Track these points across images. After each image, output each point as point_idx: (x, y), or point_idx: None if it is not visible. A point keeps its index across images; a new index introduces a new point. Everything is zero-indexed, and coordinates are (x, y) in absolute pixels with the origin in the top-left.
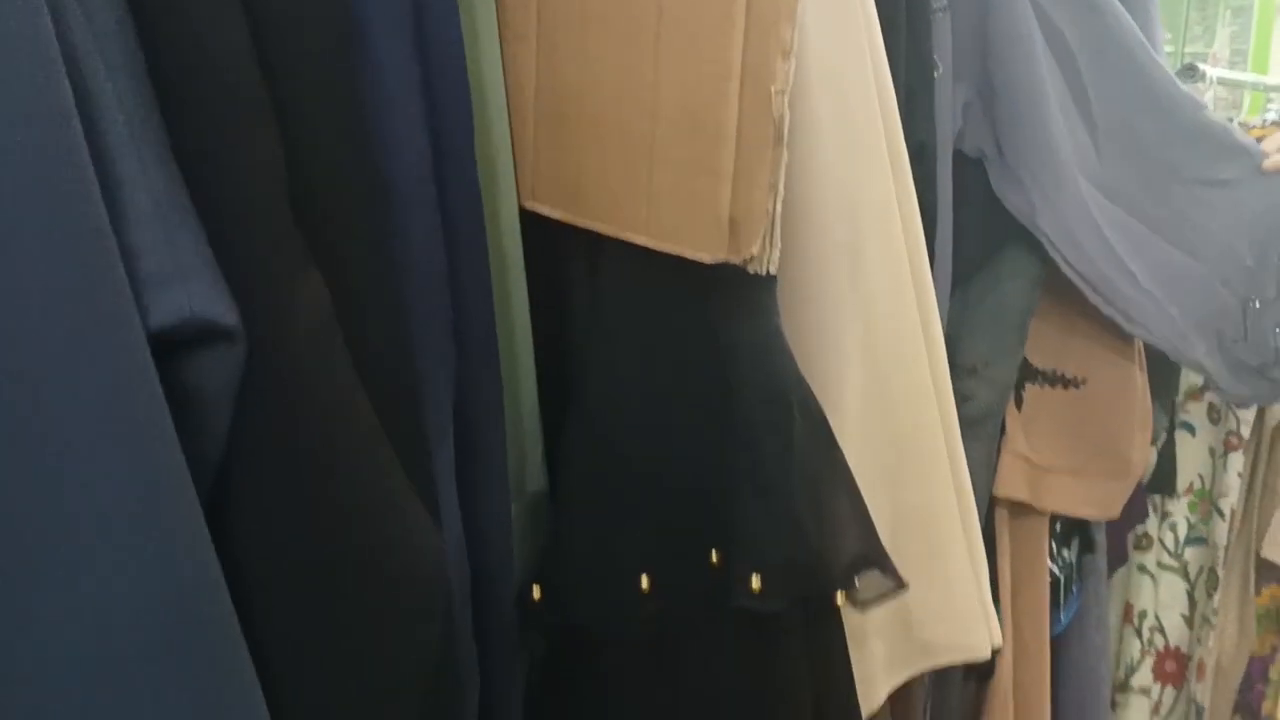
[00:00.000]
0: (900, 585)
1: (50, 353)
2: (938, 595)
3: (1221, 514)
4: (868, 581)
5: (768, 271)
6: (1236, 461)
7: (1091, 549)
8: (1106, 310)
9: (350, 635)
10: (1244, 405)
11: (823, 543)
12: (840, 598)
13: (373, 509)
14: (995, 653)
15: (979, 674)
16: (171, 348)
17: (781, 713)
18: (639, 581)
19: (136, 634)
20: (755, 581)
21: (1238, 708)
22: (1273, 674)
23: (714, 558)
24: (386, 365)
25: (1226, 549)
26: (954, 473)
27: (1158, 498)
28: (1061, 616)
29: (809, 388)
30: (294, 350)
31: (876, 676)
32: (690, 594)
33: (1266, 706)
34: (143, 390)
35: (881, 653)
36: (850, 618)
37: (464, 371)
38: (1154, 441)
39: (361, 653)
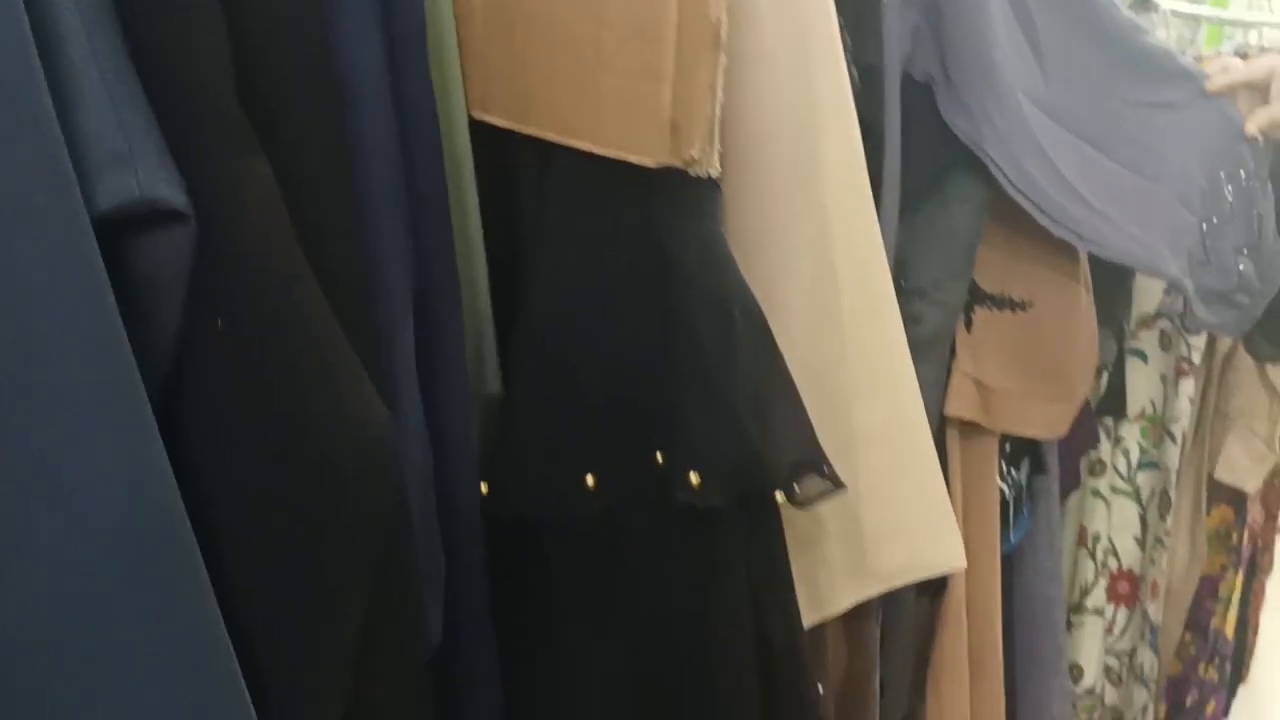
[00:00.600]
0: (839, 486)
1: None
2: (906, 511)
3: (1173, 438)
4: (810, 485)
5: (709, 174)
6: (1188, 387)
7: (1041, 469)
8: (1056, 231)
9: (299, 507)
10: (1219, 334)
11: (762, 443)
12: (780, 498)
13: (319, 380)
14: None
15: (931, 591)
16: (121, 231)
17: (720, 608)
18: (585, 479)
19: (110, 550)
20: (694, 478)
21: (1189, 624)
22: (1222, 592)
23: (658, 458)
24: (340, 254)
25: (1178, 472)
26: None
27: (1110, 424)
28: (1011, 536)
29: (751, 293)
30: (241, 230)
31: (838, 589)
32: (634, 492)
33: (1215, 622)
34: (100, 301)
35: (846, 565)
36: (813, 531)
37: (420, 266)
38: (1103, 366)
39: (310, 525)
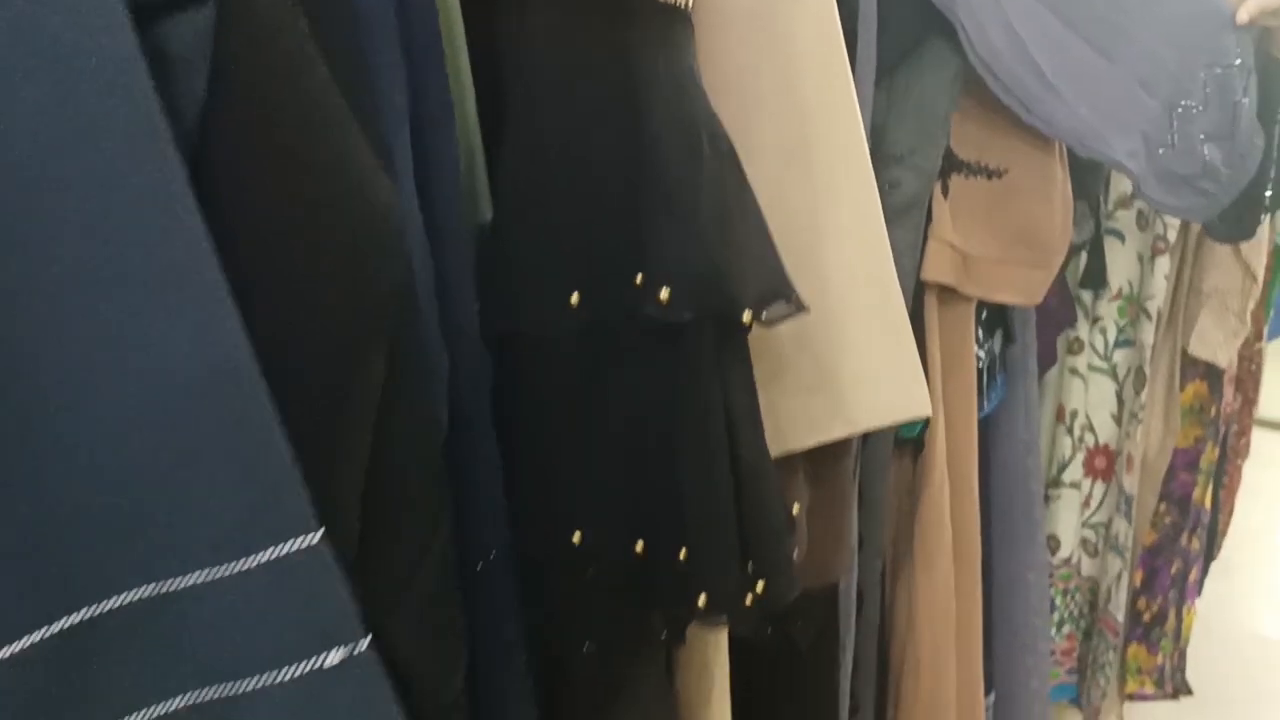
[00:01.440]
0: (803, 309)
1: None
2: (873, 357)
3: (1149, 315)
4: (776, 310)
5: (681, 5)
6: (1163, 265)
7: (1011, 339)
8: (1005, 99)
9: (313, 274)
10: (1180, 217)
11: (729, 265)
12: (746, 317)
13: (333, 152)
14: (925, 431)
15: (912, 451)
16: (150, 18)
17: (694, 420)
18: (570, 297)
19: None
20: (664, 293)
21: (1163, 496)
22: (1203, 464)
23: (637, 280)
24: (341, 64)
25: (1154, 349)
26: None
27: (1088, 303)
28: (985, 404)
29: (720, 124)
30: (255, 11)
31: (801, 427)
32: (614, 309)
33: (1196, 494)
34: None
35: (810, 406)
36: (779, 371)
37: (415, 90)
38: (1082, 243)
39: (332, 291)
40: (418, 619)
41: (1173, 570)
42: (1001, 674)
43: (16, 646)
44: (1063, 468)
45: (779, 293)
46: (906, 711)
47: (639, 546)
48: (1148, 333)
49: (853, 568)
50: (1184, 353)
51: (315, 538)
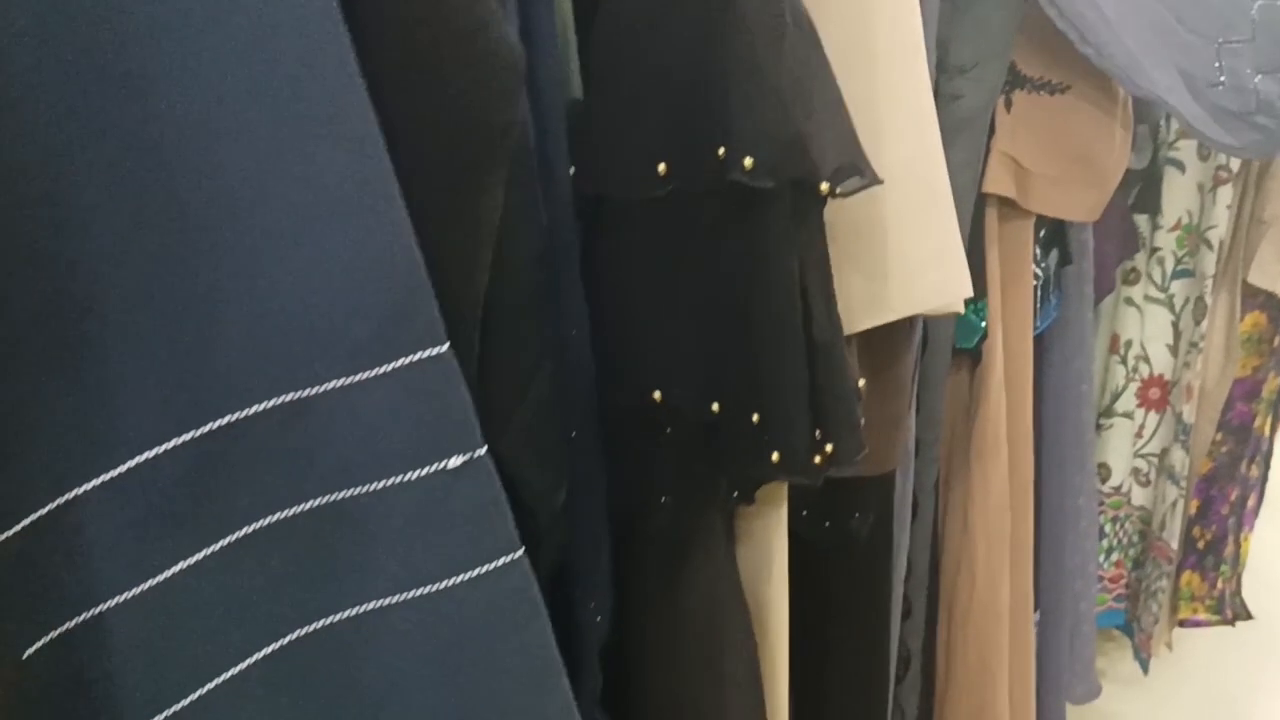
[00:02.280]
0: (876, 181)
1: None
2: (924, 245)
3: (1210, 245)
4: (850, 185)
5: None
6: (1225, 194)
7: (1068, 260)
8: (1060, 24)
9: (446, 102)
10: (1240, 156)
11: (809, 136)
12: (825, 187)
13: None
14: (983, 342)
15: (969, 364)
16: None
17: (771, 284)
18: (657, 167)
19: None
20: (748, 161)
21: (1221, 425)
22: (1265, 393)
23: (720, 152)
24: None
25: (1214, 279)
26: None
27: (1146, 234)
28: (1037, 322)
29: (803, 5)
30: None
31: (856, 312)
32: (698, 177)
33: (1257, 424)
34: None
35: (864, 290)
36: (836, 256)
37: None
38: (1141, 165)
39: (455, 117)
40: (525, 437)
41: (1232, 497)
42: (1048, 596)
43: (162, 448)
44: (1116, 397)
45: (854, 165)
46: (960, 618)
47: (715, 407)
48: (1209, 263)
49: (909, 473)
50: (1244, 282)
51: (443, 349)
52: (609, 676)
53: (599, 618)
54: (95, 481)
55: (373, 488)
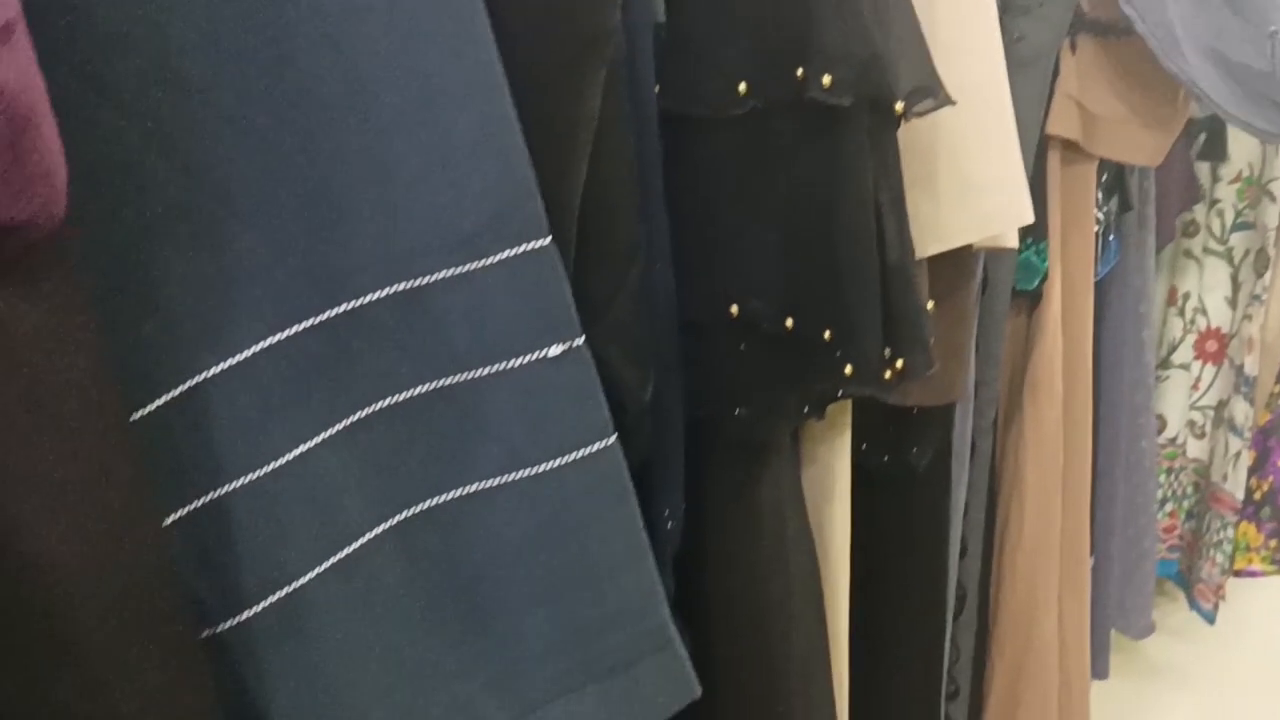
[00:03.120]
0: (948, 102)
1: None
2: (994, 169)
3: (1272, 197)
4: (924, 105)
5: None
6: None
7: (1129, 206)
8: None
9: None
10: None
11: (886, 58)
12: (900, 106)
13: None
14: (1043, 284)
15: (1028, 306)
16: None
17: (848, 198)
18: (738, 86)
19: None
20: (826, 79)
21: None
22: None
23: (799, 73)
24: None
25: (1278, 230)
26: None
27: (1207, 186)
28: (1097, 267)
29: None
30: None
31: (924, 236)
32: (778, 96)
33: None
34: None
35: (930, 215)
36: (916, 174)
37: None
38: (1205, 114)
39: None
40: (617, 331)
41: None
42: (1103, 539)
43: (287, 332)
44: (1173, 349)
45: (928, 87)
46: (1010, 554)
47: (789, 322)
48: (1271, 215)
49: (968, 410)
50: None
51: (546, 241)
52: (678, 584)
53: (670, 524)
54: (224, 364)
55: (480, 374)
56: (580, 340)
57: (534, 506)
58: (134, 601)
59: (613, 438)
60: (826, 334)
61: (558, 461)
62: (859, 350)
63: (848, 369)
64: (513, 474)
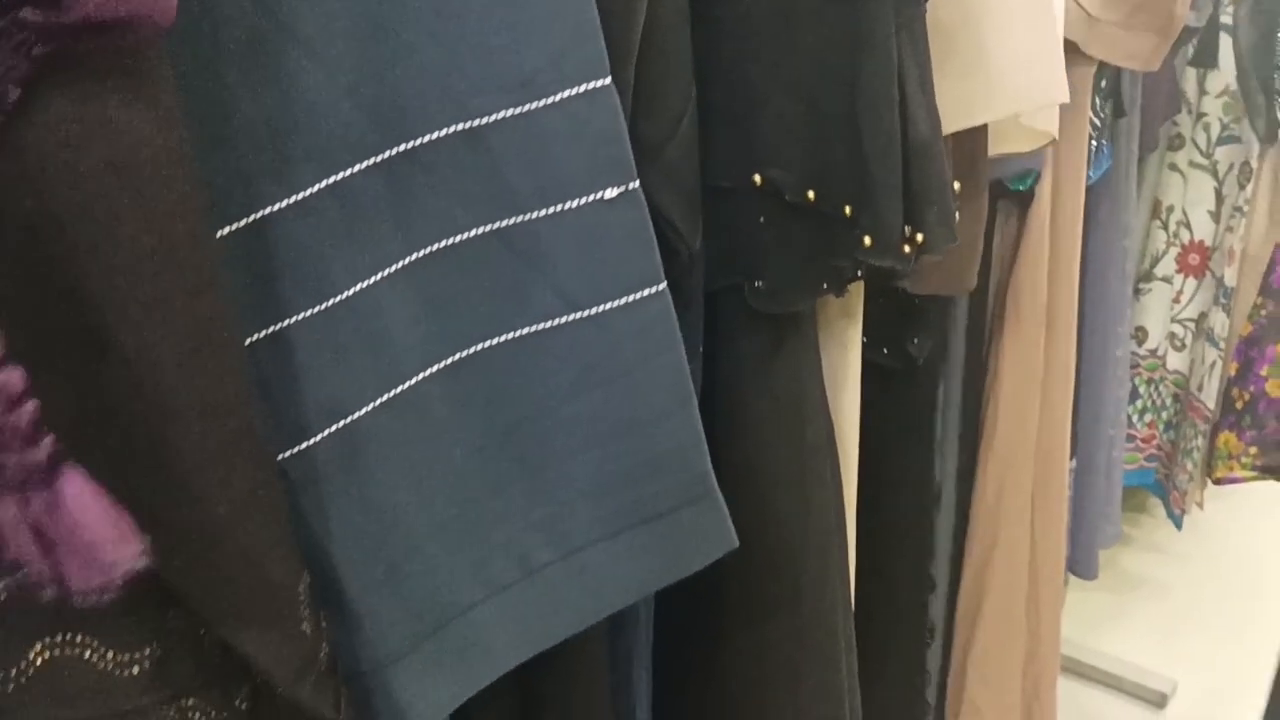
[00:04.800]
0: None
1: None
2: (1030, 41)
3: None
4: None
5: None
6: None
7: (1123, 112)
8: None
9: None
10: None
11: None
12: None
13: None
14: (1035, 184)
15: (1019, 207)
16: None
17: (868, 75)
18: None
19: None
20: None
21: (1261, 289)
22: None
23: None
24: None
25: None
26: None
27: (1193, 100)
28: (1091, 172)
29: None
30: None
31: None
32: None
33: None
34: None
35: (970, 89)
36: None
37: None
38: (1198, 24)
39: None
40: (671, 174)
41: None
42: (1083, 442)
43: (348, 171)
44: (1155, 262)
45: None
46: (983, 453)
47: (810, 194)
48: (1258, 126)
49: (962, 310)
50: None
51: (606, 82)
52: None
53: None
54: (288, 200)
55: (536, 216)
56: (635, 184)
57: (584, 350)
58: (223, 411)
59: (663, 284)
60: (847, 209)
61: (609, 305)
62: (879, 224)
63: (866, 240)
64: (564, 317)
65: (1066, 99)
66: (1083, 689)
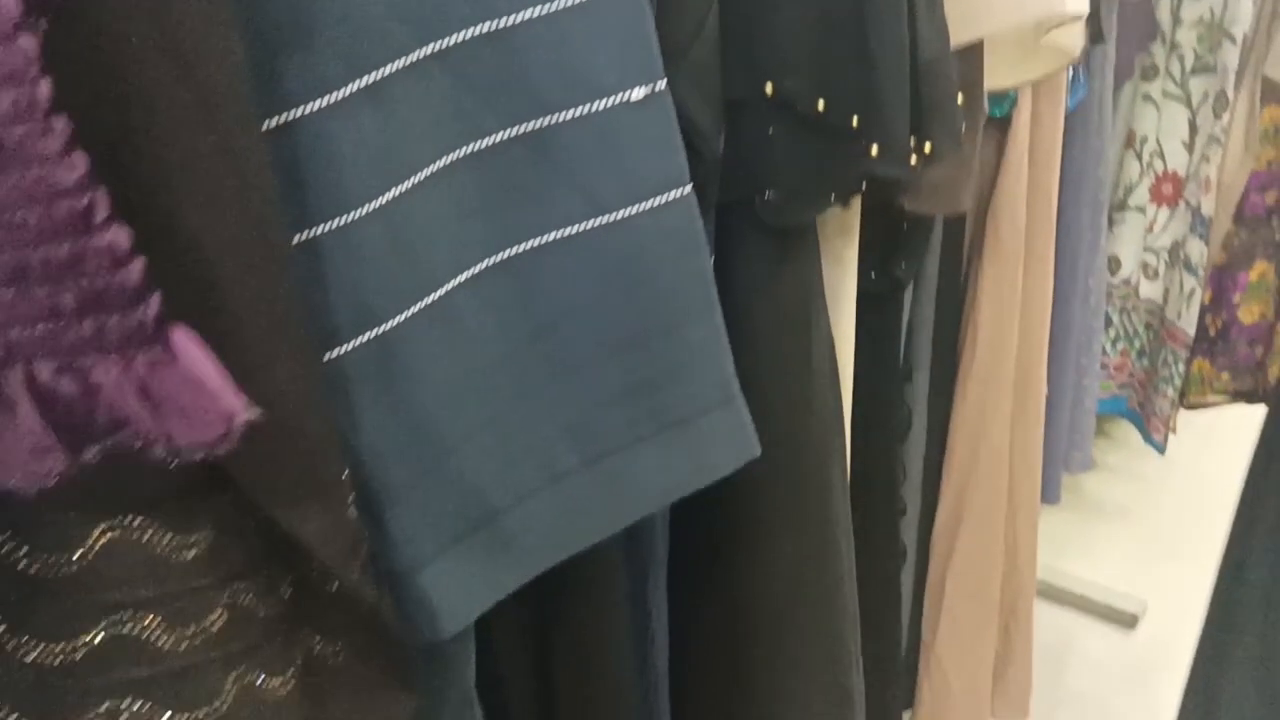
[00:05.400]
0: None
1: None
2: None
3: (1233, 39)
4: None
5: None
6: None
7: (1101, 39)
8: None
9: None
10: None
11: None
12: None
13: None
14: (1013, 109)
15: (998, 132)
16: None
17: None
18: None
19: None
20: None
21: (1235, 218)
22: None
23: None
24: None
25: (1237, 73)
26: None
27: (1167, 30)
28: (1068, 98)
29: None
30: None
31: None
32: None
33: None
34: None
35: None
36: None
37: None
38: None
39: None
40: (696, 75)
41: (1244, 284)
42: (1056, 371)
43: (375, 75)
44: (1129, 191)
45: None
46: (961, 379)
47: (820, 104)
48: (1231, 56)
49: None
50: (1264, 77)
51: None
52: None
53: None
54: (318, 104)
55: (562, 118)
56: (663, 84)
57: (610, 254)
58: (269, 297)
59: (688, 186)
60: (855, 120)
61: (635, 209)
62: (887, 133)
63: (874, 149)
64: (591, 221)
65: (1086, 10)
66: (1055, 611)
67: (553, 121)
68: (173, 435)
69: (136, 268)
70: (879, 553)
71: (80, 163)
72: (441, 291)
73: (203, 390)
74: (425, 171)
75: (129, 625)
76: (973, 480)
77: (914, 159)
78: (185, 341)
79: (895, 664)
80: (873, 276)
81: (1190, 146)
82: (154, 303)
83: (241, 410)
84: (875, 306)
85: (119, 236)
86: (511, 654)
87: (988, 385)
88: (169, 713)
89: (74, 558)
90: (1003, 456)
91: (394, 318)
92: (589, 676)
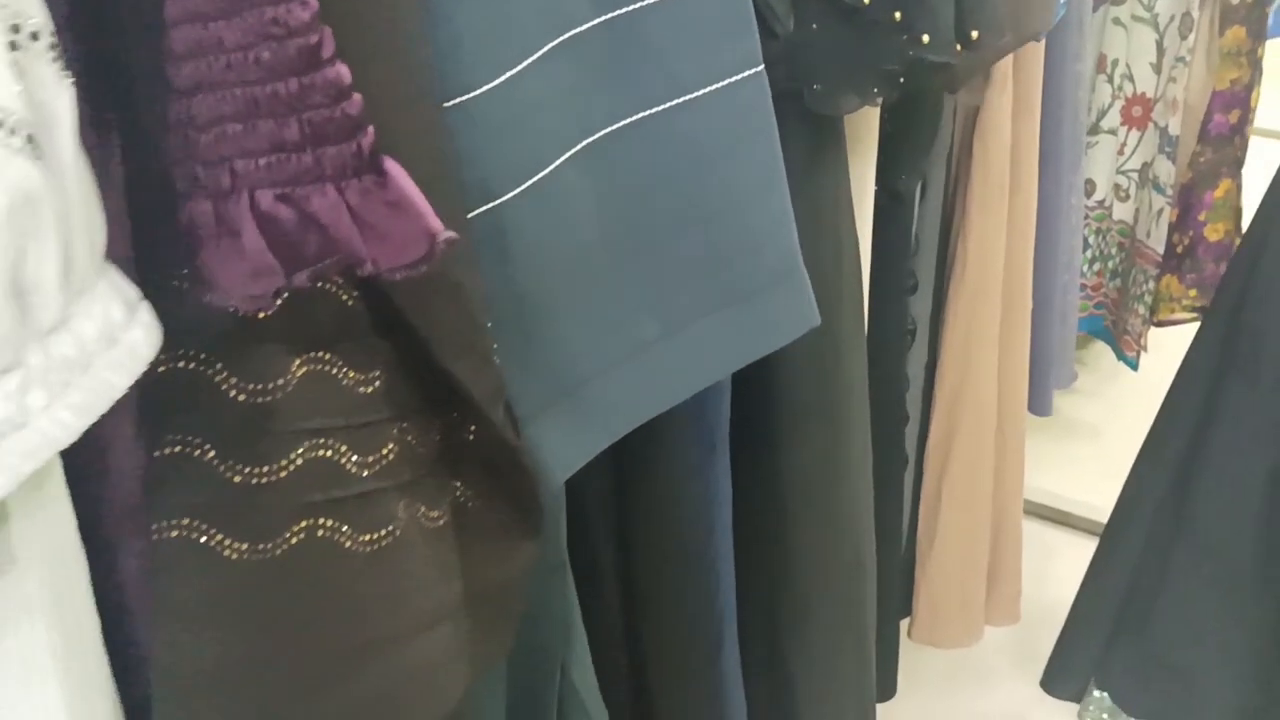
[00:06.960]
0: None
1: None
2: None
3: None
4: None
5: None
6: None
7: None
8: None
9: None
10: None
11: None
12: None
13: None
14: None
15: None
16: None
17: None
18: None
19: None
20: None
21: (1199, 137)
22: (1253, 101)
23: None
24: None
25: None
26: None
27: None
28: None
29: None
30: None
31: None
32: None
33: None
34: None
35: None
36: None
37: None
38: None
39: None
40: None
41: (1209, 202)
42: (1039, 287)
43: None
44: (1101, 115)
45: None
46: (952, 295)
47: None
48: None
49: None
50: None
51: None
52: None
53: None
54: None
55: (644, 3)
56: (759, 68)
57: (690, 132)
58: (431, 151)
59: (760, 66)
60: (897, 14)
61: (711, 88)
62: (936, 22)
63: (925, 38)
64: (672, 100)
65: None
66: (1036, 525)
67: (635, 7)
68: (378, 258)
69: (357, 100)
70: (884, 458)
71: (313, 1)
72: (551, 168)
73: (409, 212)
74: (534, 55)
75: (324, 450)
76: (963, 395)
77: (959, 45)
78: (396, 170)
79: (894, 573)
80: (875, 189)
81: (1158, 68)
82: (370, 133)
83: (442, 230)
84: (886, 218)
85: (343, 71)
86: (594, 523)
87: (976, 300)
88: (356, 532)
89: (279, 384)
90: (991, 370)
91: (509, 192)
92: (662, 539)
